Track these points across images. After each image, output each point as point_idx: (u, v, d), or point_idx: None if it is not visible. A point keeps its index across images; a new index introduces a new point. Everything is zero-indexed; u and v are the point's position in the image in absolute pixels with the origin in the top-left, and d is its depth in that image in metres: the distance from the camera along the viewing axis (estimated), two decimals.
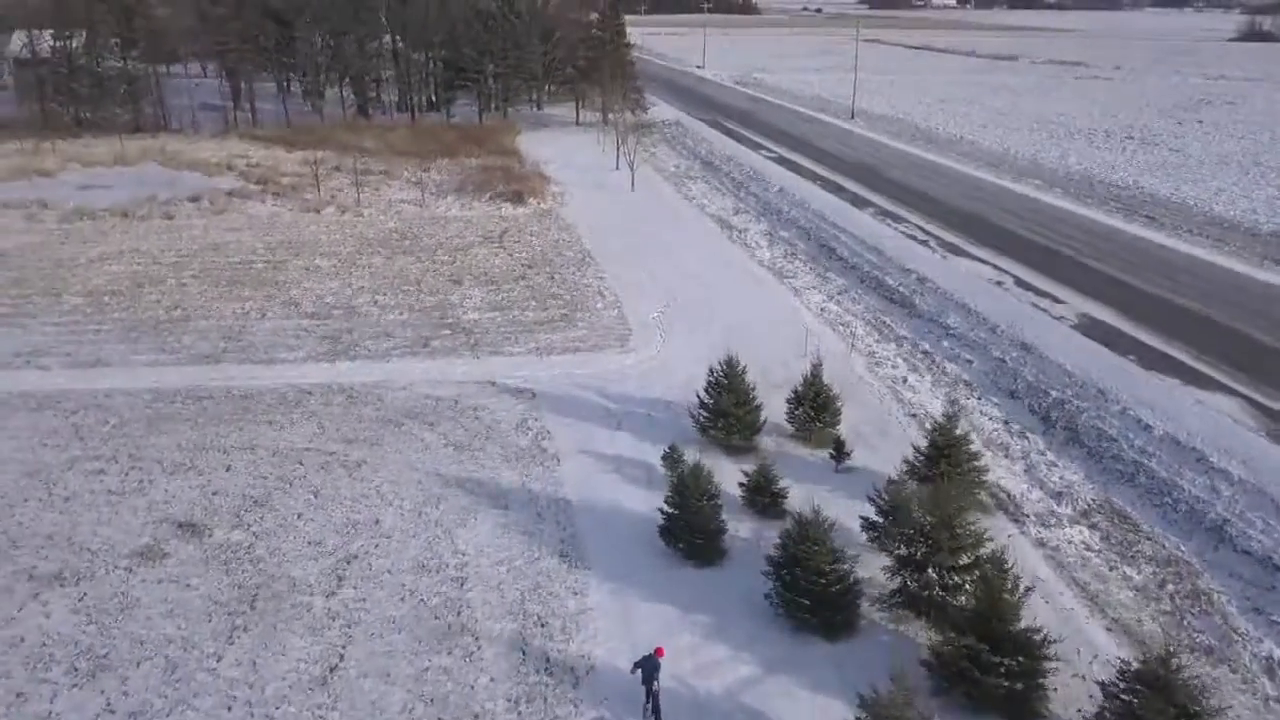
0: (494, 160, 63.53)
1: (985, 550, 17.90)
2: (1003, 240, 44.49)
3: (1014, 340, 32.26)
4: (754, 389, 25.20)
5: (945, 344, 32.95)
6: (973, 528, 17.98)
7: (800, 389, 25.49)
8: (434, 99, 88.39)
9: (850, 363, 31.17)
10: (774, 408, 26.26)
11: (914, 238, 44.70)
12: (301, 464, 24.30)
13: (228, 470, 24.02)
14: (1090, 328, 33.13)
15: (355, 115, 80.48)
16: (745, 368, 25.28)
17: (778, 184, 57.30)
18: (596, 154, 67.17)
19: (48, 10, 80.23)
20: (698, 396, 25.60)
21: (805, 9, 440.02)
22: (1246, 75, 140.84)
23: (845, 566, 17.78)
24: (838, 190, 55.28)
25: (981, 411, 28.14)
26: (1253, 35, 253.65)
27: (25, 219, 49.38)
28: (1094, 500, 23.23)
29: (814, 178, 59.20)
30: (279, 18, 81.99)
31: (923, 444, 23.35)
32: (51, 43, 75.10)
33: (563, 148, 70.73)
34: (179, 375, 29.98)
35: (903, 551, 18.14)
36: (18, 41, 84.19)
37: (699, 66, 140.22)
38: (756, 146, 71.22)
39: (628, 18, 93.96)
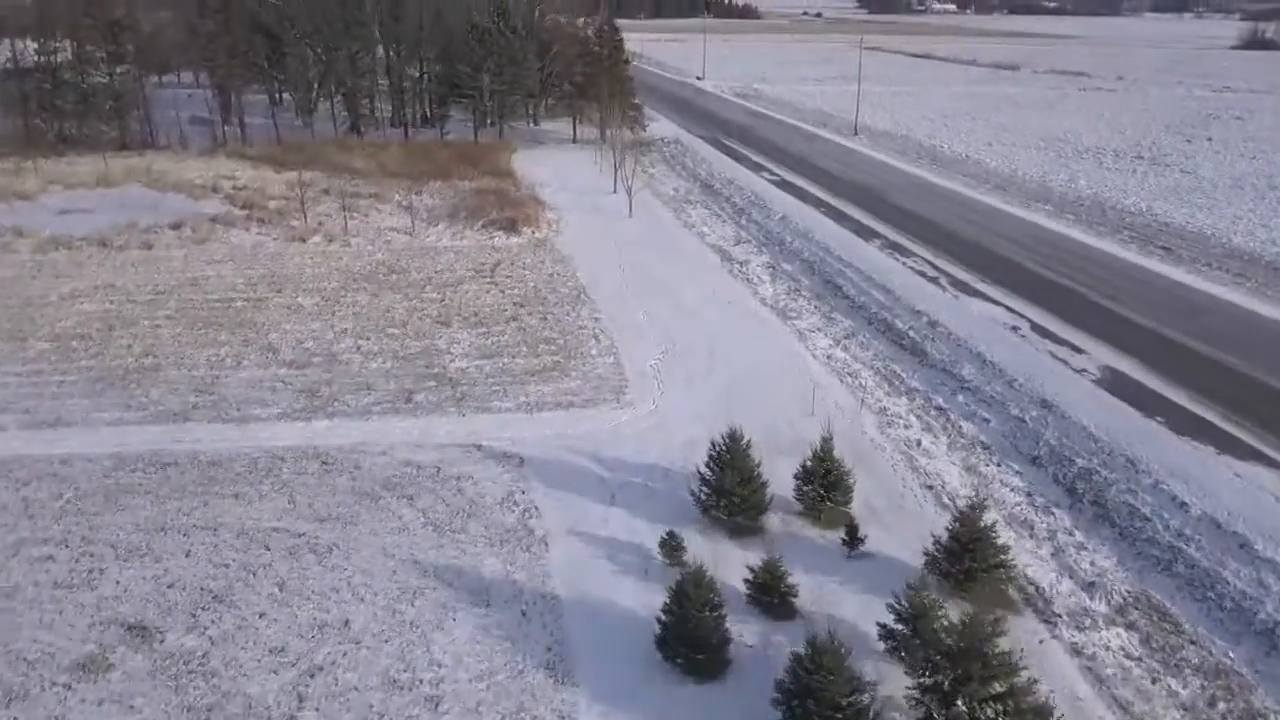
0: (488, 182, 61.67)
1: (1021, 678, 16.01)
2: (1016, 277, 42.60)
3: (1033, 397, 30.37)
4: (759, 465, 23.28)
5: (960, 399, 31.05)
6: (1006, 654, 16.06)
7: (809, 463, 23.59)
8: (428, 114, 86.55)
9: (860, 421, 29.27)
10: (780, 477, 24.41)
11: (923, 274, 42.82)
12: (268, 549, 22.37)
13: (187, 555, 22.09)
14: (1114, 383, 31.22)
15: (347, 132, 78.56)
16: (749, 441, 23.37)
17: (780, 211, 55.44)
18: (593, 174, 65.32)
19: (31, 20, 78.39)
20: (698, 472, 23.69)
21: (805, 13, 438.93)
22: (1252, 87, 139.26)
23: (865, 698, 15.88)
24: (842, 218, 53.42)
25: (1002, 481, 26.25)
26: (1255, 43, 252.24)
27: None
28: (1130, 593, 21.33)
29: (817, 203, 57.35)
30: (269, 32, 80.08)
31: (942, 523, 21.50)
32: (35, 56, 73.13)
33: (559, 167, 68.89)
34: (143, 437, 28.04)
35: (928, 680, 16.22)
36: (2, 53, 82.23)
37: (699, 78, 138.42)
38: (758, 168, 69.35)
39: (627, 23, 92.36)
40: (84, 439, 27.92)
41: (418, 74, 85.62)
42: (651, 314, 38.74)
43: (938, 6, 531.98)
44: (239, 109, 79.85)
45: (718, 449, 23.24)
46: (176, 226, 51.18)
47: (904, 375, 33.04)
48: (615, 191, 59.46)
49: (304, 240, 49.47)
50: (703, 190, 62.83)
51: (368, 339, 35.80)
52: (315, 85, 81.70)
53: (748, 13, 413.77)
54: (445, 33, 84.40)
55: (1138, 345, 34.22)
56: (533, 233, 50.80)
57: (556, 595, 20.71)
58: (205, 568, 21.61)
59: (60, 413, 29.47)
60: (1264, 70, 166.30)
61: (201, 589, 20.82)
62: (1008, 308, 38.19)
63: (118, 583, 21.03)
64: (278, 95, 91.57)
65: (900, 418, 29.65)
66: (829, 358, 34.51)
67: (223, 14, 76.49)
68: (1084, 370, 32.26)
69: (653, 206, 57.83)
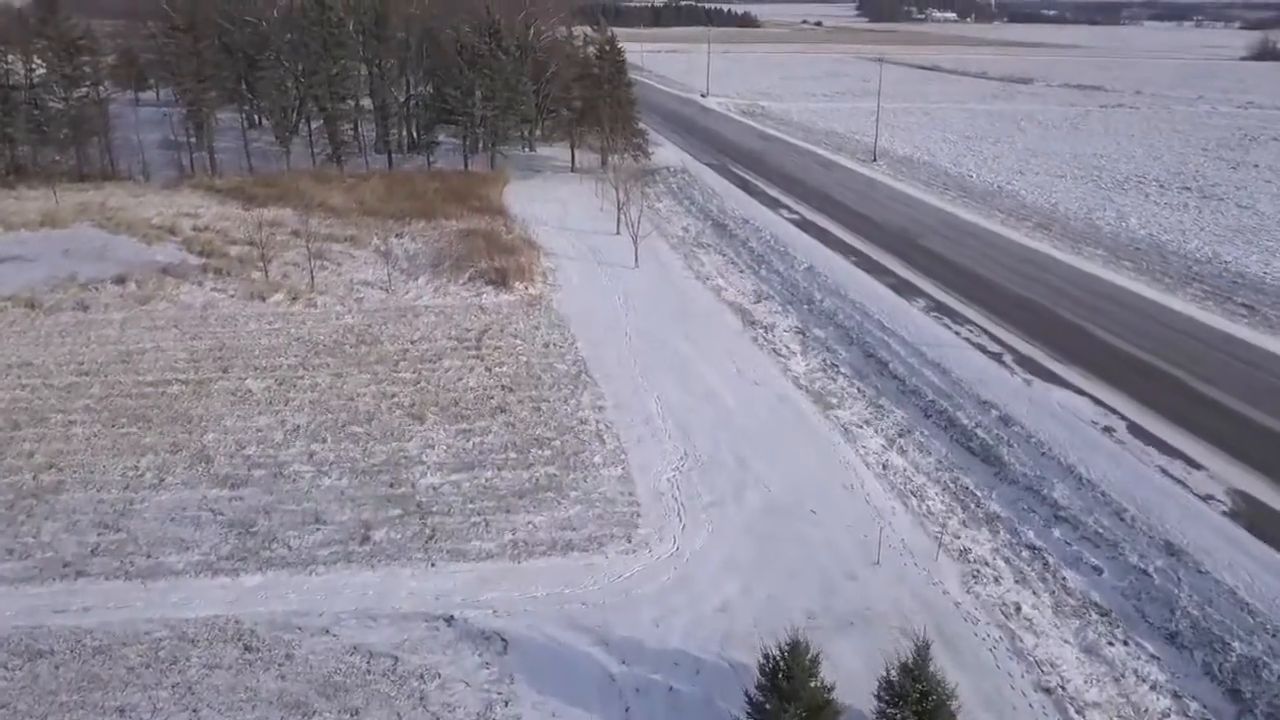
0: (477, 222, 55.53)
1: None
2: (1090, 353, 36.29)
3: (1153, 536, 24.15)
4: (830, 690, 16.97)
5: (1057, 534, 24.80)
6: None
7: (896, 677, 17.29)
8: (415, 138, 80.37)
9: (938, 570, 22.99)
10: (847, 672, 18.30)
11: (982, 348, 36.52)
12: None
13: None
14: (1254, 518, 24.95)
15: (326, 161, 72.33)
16: (816, 655, 17.06)
17: (804, 259, 49.23)
18: (594, 210, 59.21)
19: None
20: (747, 696, 17.38)
21: (805, 22, 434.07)
22: (1275, 102, 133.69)
23: None
24: (876, 270, 47.18)
25: (1135, 671, 19.99)
26: (1265, 54, 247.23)
27: None
28: None
29: (845, 250, 51.12)
30: (242, 52, 73.94)
31: None
32: None
33: (556, 201, 62.76)
34: (17, 605, 21.71)
35: None
36: None
37: (703, 95, 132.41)
38: (775, 204, 63.14)
39: (625, 32, 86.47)
40: None
41: (404, 96, 79.49)
42: (665, 401, 32.50)
43: (937, 15, 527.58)
44: (209, 134, 73.63)
45: (773, 663, 16.96)
46: (120, 281, 44.94)
47: (979, 494, 26.74)
48: (618, 233, 53.32)
49: (264, 299, 43.18)
50: (715, 230, 56.61)
51: (323, 441, 29.50)
52: (294, 109, 75.50)
53: (747, 21, 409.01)
54: (433, 52, 78.32)
55: (1263, 456, 27.95)
56: (526, 288, 44.56)
57: None
58: None
59: None
60: None
61: None
62: (1093, 398, 31.85)
63: None
64: (255, 118, 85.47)
65: (986, 564, 23.34)
66: (884, 466, 28.21)
67: (190, 33, 70.21)
68: (1209, 496, 25.96)
69: (660, 251, 51.63)
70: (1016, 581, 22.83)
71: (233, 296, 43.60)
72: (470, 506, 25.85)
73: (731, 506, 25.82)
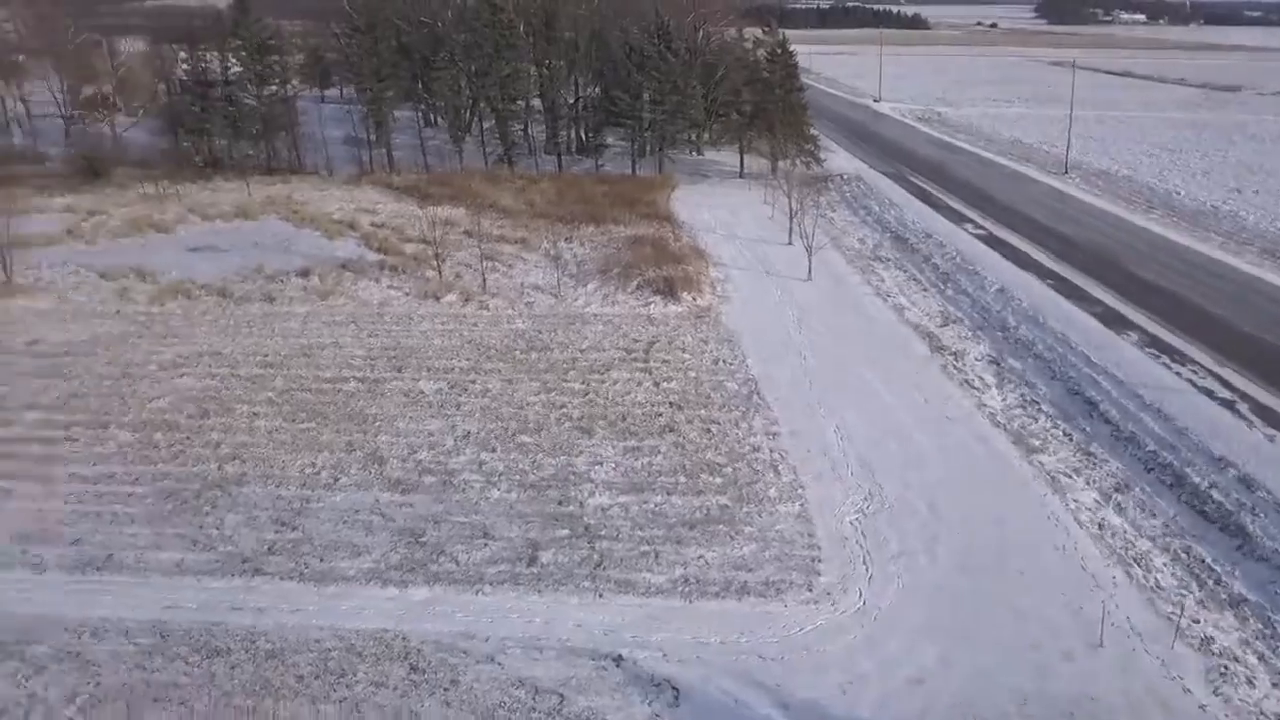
0: (645, 229, 54.52)
1: None
2: None
3: None
4: None
5: None
6: None
7: None
8: (584, 140, 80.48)
9: (1175, 663, 20.02)
10: None
11: (1210, 393, 32.53)
12: None
13: None
14: None
15: (498, 161, 73.28)
16: None
17: (995, 279, 45.79)
18: (763, 218, 57.34)
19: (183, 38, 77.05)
20: None
21: (979, 24, 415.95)
22: None
23: None
24: (1077, 295, 43.27)
25: None
26: None
27: (117, 295, 43.63)
28: None
29: (1041, 271, 47.26)
30: (419, 53, 75.93)
31: None
32: (183, 76, 71.33)
33: (725, 208, 61.17)
34: (198, 599, 21.92)
35: None
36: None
37: (875, 99, 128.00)
38: (959, 218, 59.47)
39: (791, 34, 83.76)
40: (129, 595, 22.04)
41: (572, 98, 79.74)
42: (845, 431, 30.39)
43: (1125, 17, 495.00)
44: (387, 132, 75.91)
45: None
46: (304, 274, 46.30)
47: (1220, 570, 23.38)
48: (790, 242, 51.32)
49: (437, 298, 43.55)
50: (894, 244, 53.67)
51: (493, 450, 28.98)
52: (467, 108, 76.98)
53: (917, 23, 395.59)
54: (602, 54, 78.21)
55: None
56: (694, 299, 43.20)
57: None
58: None
59: (112, 548, 23.79)
60: None
61: None
62: None
63: None
64: (431, 116, 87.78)
65: (1235, 659, 20.17)
66: (1100, 526, 25.19)
67: (369, 34, 72.60)
68: None
69: (835, 264, 49.25)
70: (1276, 686, 19.58)
71: (407, 295, 44.17)
72: (639, 534, 24.61)
73: (924, 559, 23.56)
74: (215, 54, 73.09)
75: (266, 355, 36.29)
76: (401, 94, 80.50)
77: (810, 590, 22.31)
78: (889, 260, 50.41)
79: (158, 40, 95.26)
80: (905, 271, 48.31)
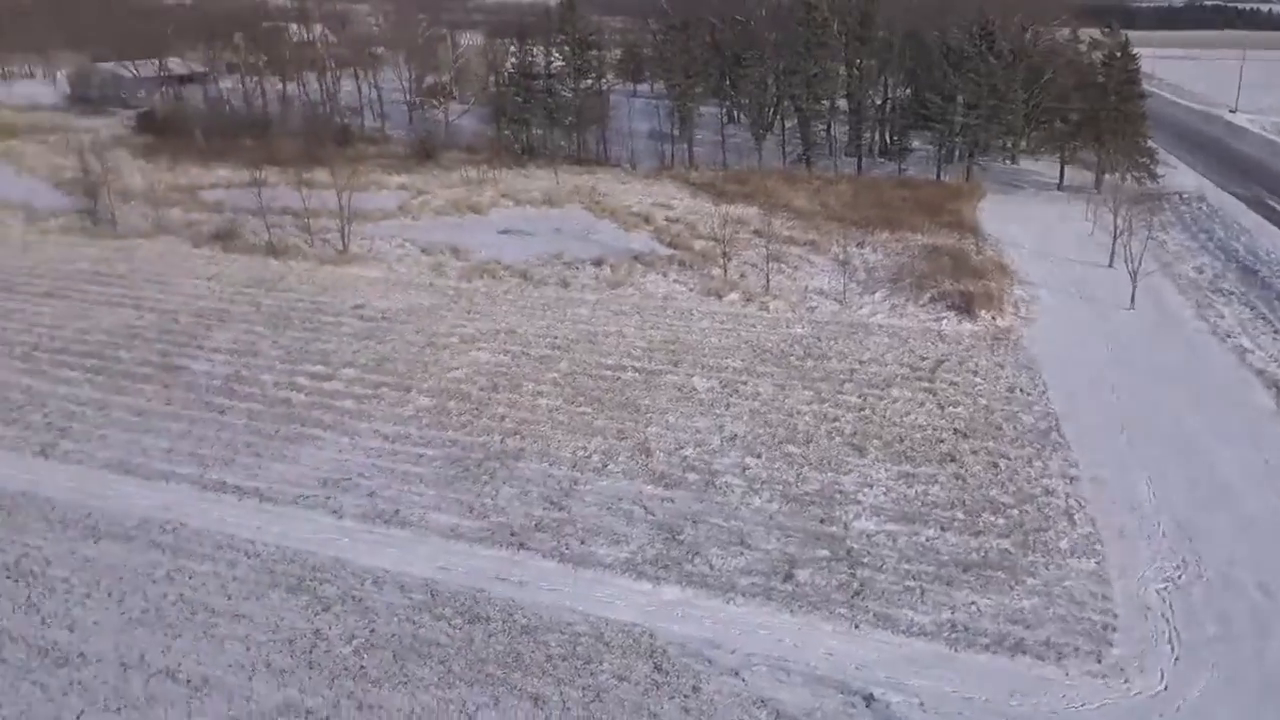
0: (945, 239, 51.43)
1: None
2: None
3: None
4: None
5: None
6: None
7: None
8: (888, 144, 77.54)
9: None
10: None
11: None
12: None
13: None
14: None
15: (796, 161, 72.38)
16: None
17: None
18: (1082, 236, 52.08)
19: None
20: None
21: None
22: None
23: None
24: None
25: None
26: None
27: (432, 270, 47.60)
28: None
29: None
30: (729, 50, 76.51)
31: None
32: (511, 69, 76.63)
33: (1038, 223, 56.35)
34: (470, 565, 23.09)
35: None
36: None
37: (1231, 110, 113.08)
38: None
39: (1133, 35, 74.86)
40: (409, 551, 23.65)
41: (880, 99, 76.99)
42: (1160, 485, 26.68)
43: None
44: (691, 127, 77.32)
45: None
46: (598, 263, 48.06)
47: None
48: (1111, 265, 46.18)
49: (719, 297, 43.50)
50: (1241, 275, 46.74)
51: (758, 456, 28.31)
52: (771, 107, 76.63)
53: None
54: (916, 54, 74.68)
55: None
56: (993, 318, 39.98)
57: None
58: None
59: (400, 504, 25.70)
60: None
61: None
62: None
63: None
64: (734, 114, 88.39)
65: None
66: None
67: (684, 31, 74.19)
68: None
69: (1164, 293, 43.71)
70: None
71: (691, 290, 44.52)
72: (905, 567, 22.93)
73: (1249, 649, 20.03)
74: (541, 48, 77.89)
75: (556, 338, 37.89)
76: (709, 90, 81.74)
77: (1099, 661, 19.66)
78: (1232, 294, 43.94)
79: (493, 35, 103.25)
80: (1252, 309, 41.86)
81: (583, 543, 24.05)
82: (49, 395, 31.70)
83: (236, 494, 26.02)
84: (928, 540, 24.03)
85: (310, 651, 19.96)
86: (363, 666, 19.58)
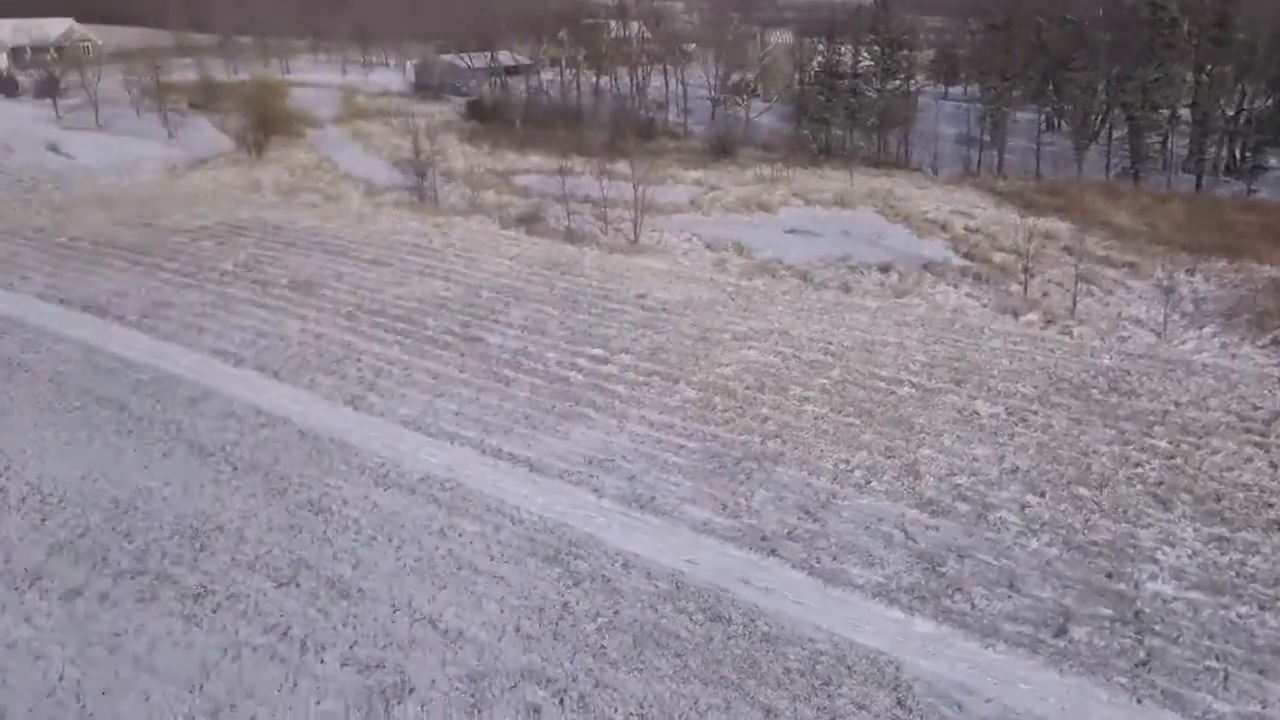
0: None
1: None
2: None
3: None
4: None
5: None
6: None
7: None
8: (1236, 161, 68.47)
9: None
10: None
11: None
12: None
13: None
14: None
15: (1121, 175, 65.76)
16: None
17: None
18: None
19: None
20: None
21: None
22: None
23: None
24: None
25: None
26: None
27: (714, 265, 48.10)
28: None
29: None
30: (1055, 51, 70.72)
31: None
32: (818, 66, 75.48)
33: None
34: (715, 563, 22.89)
35: None
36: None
37: None
38: None
39: None
40: (659, 540, 23.84)
41: (1233, 110, 68.00)
42: None
43: None
44: (1003, 133, 72.49)
45: None
46: (885, 270, 46.37)
47: None
48: None
49: (1016, 315, 40.38)
50: None
51: (1041, 494, 25.83)
52: (1098, 114, 70.13)
53: None
54: None
55: None
56: None
57: None
58: None
59: (657, 492, 26.00)
60: None
61: None
62: None
63: None
64: (1054, 120, 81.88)
65: None
66: None
67: (1005, 30, 69.45)
68: None
69: None
70: None
71: (984, 306, 41.71)
72: (1207, 644, 19.92)
73: None
74: (849, 47, 76.30)
75: (830, 343, 36.83)
76: (1027, 95, 76.40)
77: None
78: None
79: (802, 33, 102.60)
80: None
81: (835, 559, 23.09)
82: (363, 352, 35.26)
83: (510, 461, 27.51)
84: (1240, 617, 20.74)
85: (557, 622, 20.65)
86: (603, 646, 19.95)
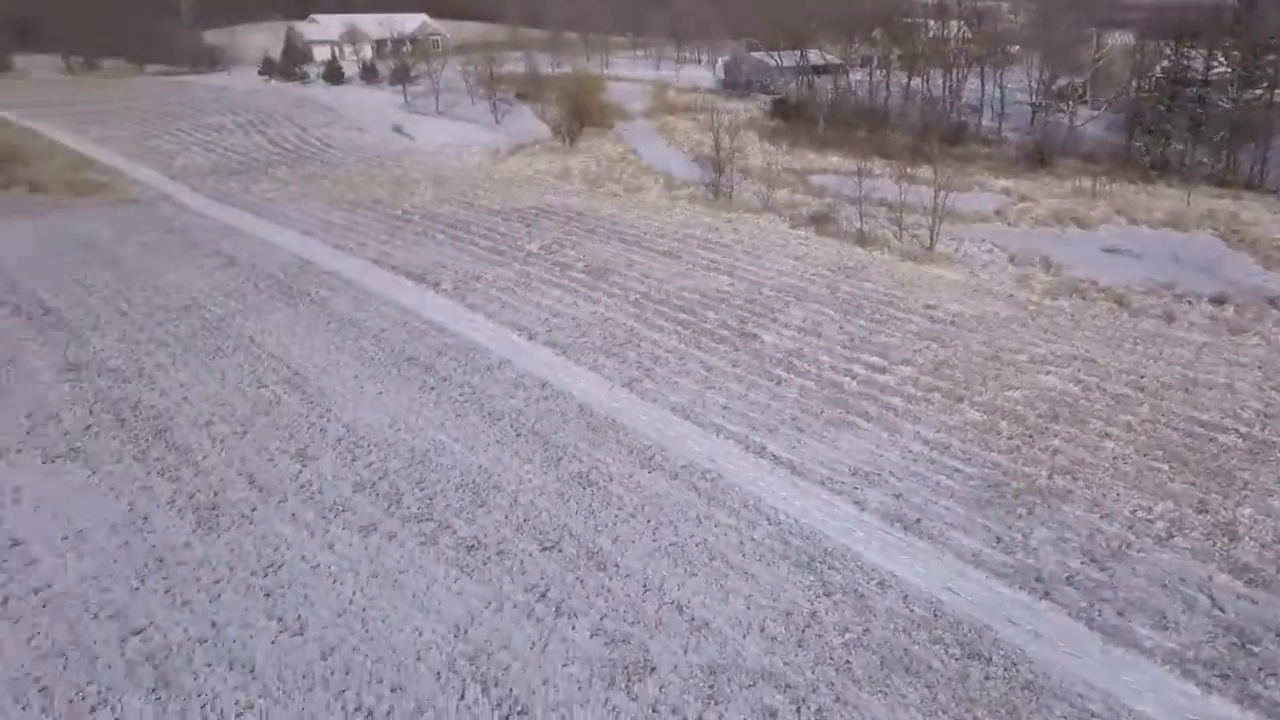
0: None
1: None
2: None
3: None
4: None
5: None
6: None
7: None
8: None
9: None
10: None
11: None
12: None
13: None
14: None
15: None
16: None
17: None
18: None
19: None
20: None
21: None
22: None
23: None
24: None
25: None
26: None
27: (1015, 281, 44.89)
28: None
29: None
30: None
31: None
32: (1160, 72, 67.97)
33: None
34: (982, 597, 21.32)
35: None
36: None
37: None
38: None
39: None
40: (921, 563, 22.54)
41: None
42: None
43: None
44: None
45: None
46: (1218, 301, 41.17)
47: None
48: None
49: None
50: None
51: None
52: None
53: None
54: None
55: None
56: None
57: None
58: None
59: (924, 514, 24.61)
60: None
61: None
62: None
63: None
64: None
65: None
66: None
67: None
68: None
69: None
70: None
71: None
72: None
73: None
74: (1201, 52, 68.19)
75: (1142, 377, 33.15)
76: None
77: None
78: None
79: (1145, 35, 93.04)
80: None
81: (1121, 614, 20.74)
82: (644, 339, 36.36)
83: (772, 461, 27.23)
84: None
85: (803, 630, 20.17)
86: (848, 661, 19.24)
